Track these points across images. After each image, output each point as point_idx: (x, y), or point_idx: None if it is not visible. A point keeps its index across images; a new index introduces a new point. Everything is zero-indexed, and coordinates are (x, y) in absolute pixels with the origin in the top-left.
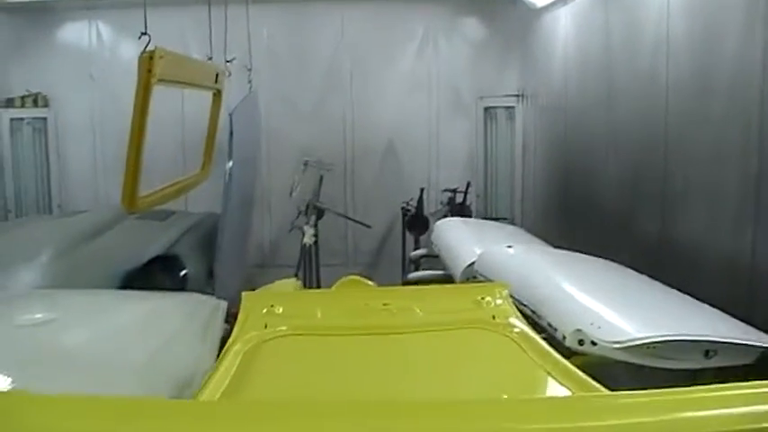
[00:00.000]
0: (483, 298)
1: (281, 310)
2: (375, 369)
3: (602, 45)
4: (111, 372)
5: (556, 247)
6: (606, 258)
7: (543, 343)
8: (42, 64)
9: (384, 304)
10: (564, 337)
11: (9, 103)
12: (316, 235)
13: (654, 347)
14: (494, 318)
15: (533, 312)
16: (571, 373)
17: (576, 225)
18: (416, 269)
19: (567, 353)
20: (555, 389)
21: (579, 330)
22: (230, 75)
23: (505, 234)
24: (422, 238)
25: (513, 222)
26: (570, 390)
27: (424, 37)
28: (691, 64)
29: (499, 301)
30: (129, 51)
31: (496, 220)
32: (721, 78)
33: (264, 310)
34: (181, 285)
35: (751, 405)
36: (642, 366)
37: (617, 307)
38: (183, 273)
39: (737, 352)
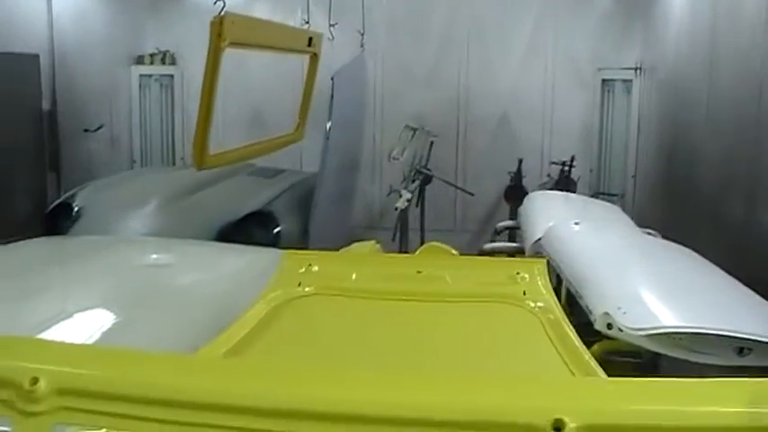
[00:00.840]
0: (518, 273)
1: (316, 269)
2: (386, 334)
3: (710, 18)
4: (188, 313)
5: (643, 227)
6: (698, 243)
7: (566, 324)
8: (172, 23)
9: (417, 272)
10: (595, 320)
11: (139, 60)
12: (411, 200)
13: (680, 339)
14: (524, 294)
15: (576, 292)
16: (581, 357)
17: (675, 206)
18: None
19: (599, 337)
20: (557, 371)
21: (607, 314)
22: (333, 39)
23: (595, 211)
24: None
25: (623, 199)
26: (572, 374)
27: (545, 5)
28: None
29: (535, 278)
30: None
31: (606, 196)
32: None
33: (302, 270)
34: (274, 241)
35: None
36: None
37: (656, 293)
38: (276, 229)
39: None
